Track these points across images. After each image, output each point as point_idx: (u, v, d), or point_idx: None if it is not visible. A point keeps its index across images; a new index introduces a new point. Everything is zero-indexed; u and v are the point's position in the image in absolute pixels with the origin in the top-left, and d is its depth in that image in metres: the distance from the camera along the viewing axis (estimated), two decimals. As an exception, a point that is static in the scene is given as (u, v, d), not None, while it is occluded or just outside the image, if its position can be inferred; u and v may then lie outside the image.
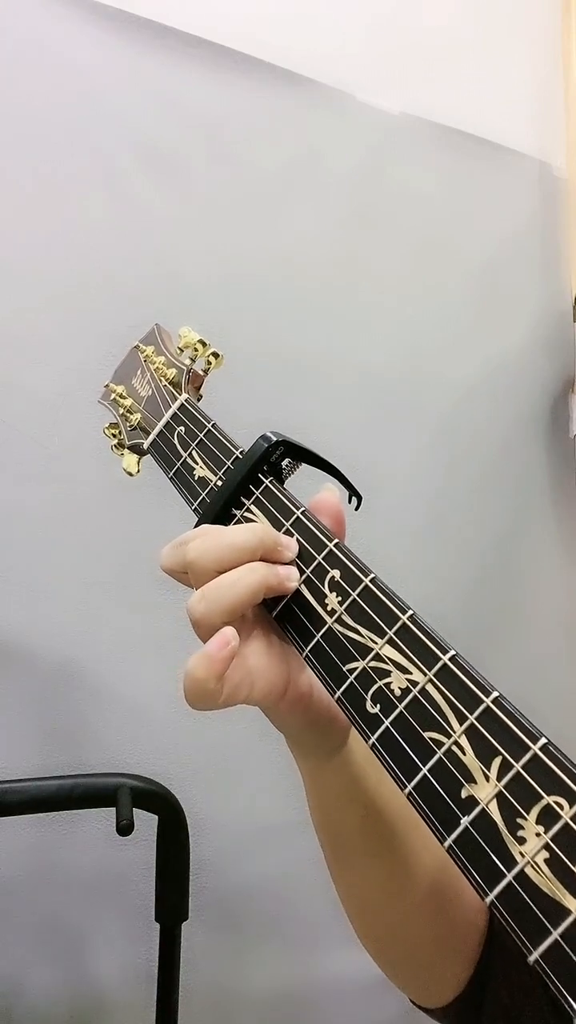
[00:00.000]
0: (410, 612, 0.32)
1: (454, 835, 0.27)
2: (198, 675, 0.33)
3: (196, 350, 0.49)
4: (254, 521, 0.39)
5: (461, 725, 0.28)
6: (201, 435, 0.45)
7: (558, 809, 0.25)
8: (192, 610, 0.35)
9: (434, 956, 0.46)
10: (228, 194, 1.03)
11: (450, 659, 0.30)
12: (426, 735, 0.29)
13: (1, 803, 0.75)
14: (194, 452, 0.45)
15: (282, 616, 0.37)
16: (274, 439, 0.40)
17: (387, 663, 0.31)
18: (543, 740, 0.26)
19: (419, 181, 1.17)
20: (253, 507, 0.40)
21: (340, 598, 0.34)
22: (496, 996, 0.45)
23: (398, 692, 0.31)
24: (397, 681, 0.31)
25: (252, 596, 0.35)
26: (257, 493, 0.40)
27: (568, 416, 1.26)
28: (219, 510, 0.40)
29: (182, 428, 0.46)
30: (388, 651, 0.32)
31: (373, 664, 0.32)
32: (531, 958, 0.24)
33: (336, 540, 0.36)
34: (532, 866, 0.25)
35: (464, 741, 0.28)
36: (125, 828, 0.71)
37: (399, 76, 1.17)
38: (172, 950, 0.81)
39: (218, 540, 0.36)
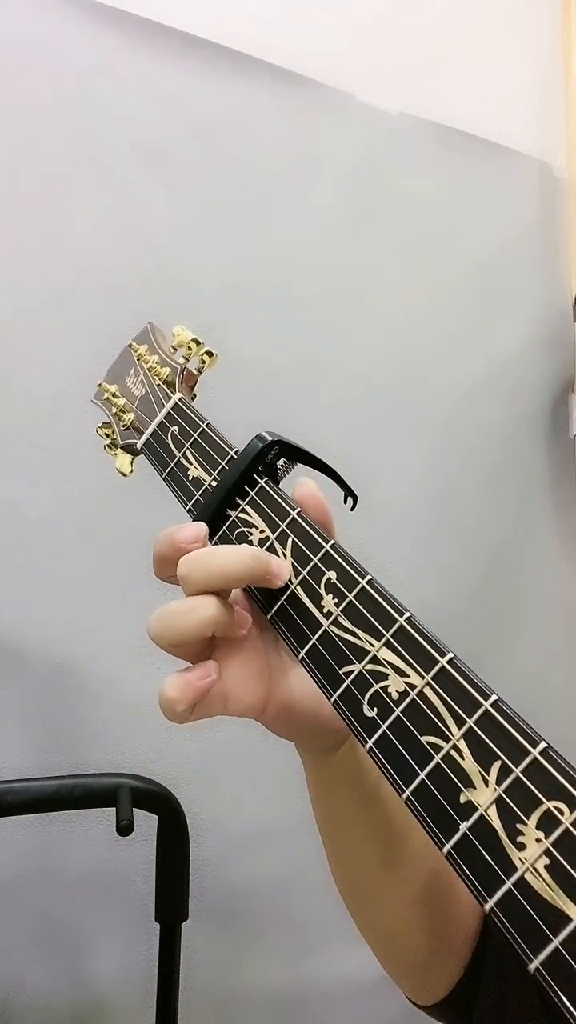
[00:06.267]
0: (407, 614, 0.32)
1: (452, 841, 0.27)
2: (171, 695, 0.33)
3: (190, 349, 0.48)
4: (250, 521, 0.39)
5: (459, 729, 0.28)
6: (195, 435, 0.44)
7: (558, 815, 0.25)
8: (148, 626, 0.35)
9: (427, 955, 0.46)
10: (227, 194, 1.03)
11: (448, 662, 0.29)
12: (424, 739, 0.29)
13: (1, 803, 0.75)
14: (188, 452, 0.44)
15: (277, 618, 0.36)
16: (269, 439, 0.40)
17: (384, 666, 0.31)
18: (543, 744, 0.26)
19: (419, 181, 1.17)
20: (248, 508, 0.40)
21: (336, 600, 0.34)
22: (488, 992, 0.45)
23: (395, 696, 0.30)
24: (394, 684, 0.31)
25: (198, 633, 0.34)
26: (252, 493, 0.40)
27: (568, 416, 1.25)
28: (214, 511, 0.40)
29: (176, 428, 0.46)
30: (385, 654, 0.31)
31: (370, 667, 0.32)
32: (531, 966, 0.24)
33: (332, 541, 0.36)
34: (532, 872, 0.24)
35: (463, 745, 0.28)
36: (125, 828, 0.71)
37: (399, 76, 1.16)
38: (172, 950, 0.81)
39: (207, 563, 0.35)
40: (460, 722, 0.28)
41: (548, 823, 0.25)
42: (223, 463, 0.42)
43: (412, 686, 0.30)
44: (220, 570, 0.35)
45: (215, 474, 0.42)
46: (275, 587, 0.36)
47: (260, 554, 0.36)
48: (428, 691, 0.29)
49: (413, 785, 0.28)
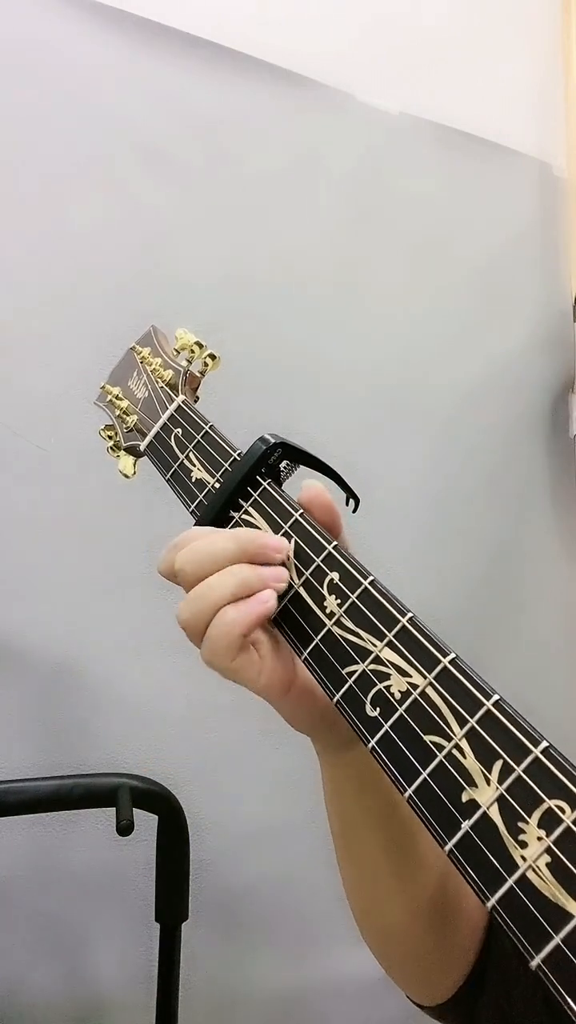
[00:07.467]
0: (410, 615, 0.32)
1: (455, 839, 0.27)
2: (232, 616, 0.34)
3: (193, 352, 0.49)
4: (253, 523, 0.39)
5: (462, 728, 0.28)
6: (199, 437, 0.45)
7: (560, 813, 0.25)
8: (179, 616, 0.36)
9: (434, 956, 0.47)
10: (228, 194, 1.03)
11: (450, 662, 0.30)
12: (426, 738, 0.29)
13: (1, 803, 0.75)
14: (191, 454, 0.44)
15: (280, 619, 0.36)
16: (272, 441, 0.40)
17: (387, 666, 0.31)
18: (544, 743, 0.26)
19: (419, 181, 1.17)
20: (251, 509, 0.40)
21: (339, 601, 0.34)
22: (491, 993, 0.46)
23: (398, 695, 0.31)
24: (397, 684, 0.31)
25: (232, 598, 0.35)
26: (255, 495, 0.40)
27: (568, 416, 1.25)
28: (217, 512, 0.40)
29: (179, 430, 0.46)
30: (388, 654, 0.31)
31: (373, 667, 0.32)
32: (533, 963, 0.24)
33: (335, 542, 0.36)
34: (534, 870, 0.25)
35: (465, 744, 0.28)
36: (125, 828, 0.71)
37: (399, 76, 1.16)
38: (172, 950, 0.81)
39: (199, 549, 0.36)
40: (462, 721, 0.28)
41: (549, 821, 0.25)
42: (226, 465, 0.42)
43: (415, 686, 0.30)
44: (210, 553, 0.36)
45: (218, 476, 0.42)
46: (274, 563, 0.36)
47: (253, 533, 0.37)
48: (430, 691, 0.30)
49: (415, 784, 0.29)
